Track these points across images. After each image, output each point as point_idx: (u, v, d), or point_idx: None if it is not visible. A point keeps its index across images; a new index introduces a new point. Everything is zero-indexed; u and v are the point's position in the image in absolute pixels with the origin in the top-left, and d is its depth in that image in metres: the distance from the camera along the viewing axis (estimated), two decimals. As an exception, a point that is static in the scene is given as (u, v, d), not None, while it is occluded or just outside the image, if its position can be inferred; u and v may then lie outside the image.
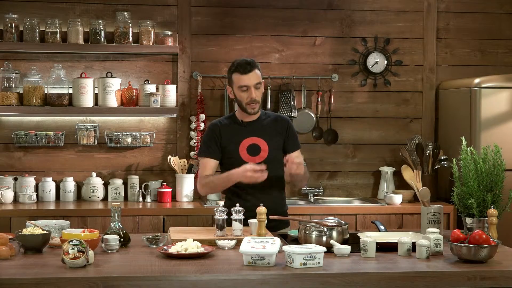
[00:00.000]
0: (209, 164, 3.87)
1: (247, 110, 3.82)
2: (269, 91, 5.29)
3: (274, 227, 3.69)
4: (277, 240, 3.05)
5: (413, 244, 3.21)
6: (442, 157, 5.23)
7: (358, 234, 3.41)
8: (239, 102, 3.82)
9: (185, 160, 5.20)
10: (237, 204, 3.54)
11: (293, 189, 5.28)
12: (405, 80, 5.53)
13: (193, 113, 5.28)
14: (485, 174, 3.49)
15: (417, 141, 5.32)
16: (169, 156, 5.17)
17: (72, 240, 2.92)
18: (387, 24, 5.49)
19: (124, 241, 3.36)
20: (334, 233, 3.28)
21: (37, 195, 5.05)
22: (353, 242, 3.31)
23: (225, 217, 3.51)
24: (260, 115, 3.91)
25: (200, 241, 3.24)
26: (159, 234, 3.51)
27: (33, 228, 3.26)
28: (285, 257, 2.98)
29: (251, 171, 3.64)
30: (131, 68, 5.26)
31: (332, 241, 3.22)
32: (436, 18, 5.52)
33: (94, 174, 5.14)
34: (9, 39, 4.97)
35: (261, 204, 3.47)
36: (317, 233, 3.28)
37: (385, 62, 5.45)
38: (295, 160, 3.65)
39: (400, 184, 5.33)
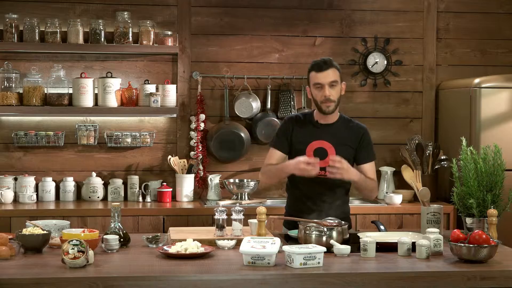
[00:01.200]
0: (275, 155, 3.88)
1: (322, 108, 3.78)
2: (269, 91, 5.29)
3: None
4: (277, 240, 3.06)
5: (413, 244, 3.21)
6: (442, 157, 5.23)
7: (358, 234, 3.42)
8: (315, 101, 3.79)
9: (185, 160, 5.20)
10: (237, 204, 3.55)
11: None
12: (405, 80, 5.53)
13: (193, 113, 5.28)
14: (485, 174, 3.49)
15: (417, 141, 5.32)
16: (169, 156, 5.17)
17: (72, 240, 2.93)
18: (387, 24, 5.49)
19: (124, 241, 3.36)
20: (334, 233, 3.28)
21: (37, 195, 5.05)
22: (353, 242, 3.31)
23: (225, 217, 3.51)
24: (337, 119, 3.87)
25: (200, 241, 3.24)
26: (159, 234, 3.51)
27: (33, 228, 3.26)
28: (285, 257, 2.98)
29: (304, 163, 3.62)
30: (131, 68, 5.26)
31: (332, 241, 3.23)
32: (436, 18, 5.52)
33: (94, 174, 5.14)
34: (9, 39, 4.97)
35: (261, 204, 3.47)
36: (317, 233, 3.28)
37: (385, 62, 5.45)
38: (336, 164, 3.61)
39: (400, 184, 5.33)
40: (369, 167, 3.88)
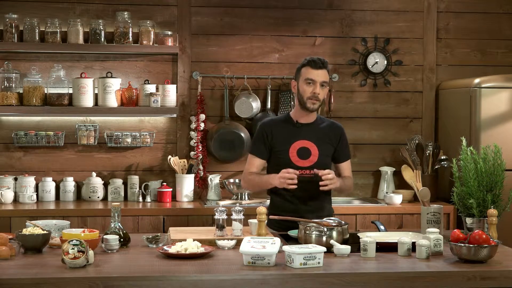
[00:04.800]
0: (255, 162, 3.93)
1: (307, 104, 3.81)
2: (269, 91, 5.30)
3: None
4: (277, 240, 3.05)
5: (413, 244, 3.21)
6: (442, 157, 5.23)
7: (358, 234, 3.42)
8: (301, 96, 3.82)
9: (185, 160, 5.20)
10: (237, 204, 3.55)
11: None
12: (405, 80, 5.53)
13: (193, 113, 5.28)
14: (485, 174, 3.49)
15: (417, 141, 5.33)
16: (169, 156, 5.17)
17: (72, 240, 2.92)
18: (387, 24, 5.49)
19: (124, 241, 3.36)
20: (334, 233, 3.28)
21: (37, 195, 5.05)
22: (353, 242, 3.31)
23: (225, 217, 3.51)
24: (316, 119, 3.92)
25: (200, 241, 3.24)
26: (159, 234, 3.51)
27: (33, 228, 3.26)
28: (285, 257, 2.98)
29: (288, 176, 3.69)
30: (131, 68, 5.26)
31: (332, 241, 3.23)
32: (436, 18, 5.52)
33: (94, 174, 5.14)
34: (9, 39, 4.97)
35: (261, 204, 3.48)
36: (317, 233, 3.28)
37: (385, 62, 5.45)
38: (328, 176, 3.70)
39: (400, 184, 5.33)
40: (346, 166, 3.99)
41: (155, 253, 3.22)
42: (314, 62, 3.80)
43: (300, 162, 3.82)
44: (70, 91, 5.05)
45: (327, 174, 3.70)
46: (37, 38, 5.00)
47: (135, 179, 5.18)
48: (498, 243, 3.13)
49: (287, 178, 3.70)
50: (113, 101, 5.04)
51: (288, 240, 3.50)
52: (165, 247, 3.19)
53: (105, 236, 3.28)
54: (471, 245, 3.03)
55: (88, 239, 3.06)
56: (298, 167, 3.82)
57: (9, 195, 4.95)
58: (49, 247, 3.31)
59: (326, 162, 3.89)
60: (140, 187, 5.16)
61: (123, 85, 5.14)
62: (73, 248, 2.90)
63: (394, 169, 5.39)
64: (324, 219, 3.41)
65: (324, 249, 3.00)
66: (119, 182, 5.16)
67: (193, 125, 5.25)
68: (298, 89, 3.83)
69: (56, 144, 5.11)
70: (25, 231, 3.23)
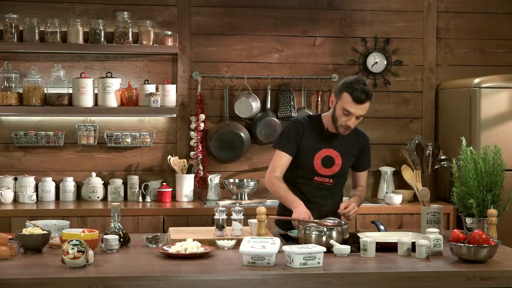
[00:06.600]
0: (284, 160, 3.80)
1: (339, 130, 3.76)
2: (269, 91, 5.29)
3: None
4: (277, 240, 3.06)
5: (413, 244, 3.21)
6: (442, 157, 5.23)
7: (358, 234, 3.42)
8: (335, 118, 3.73)
9: (185, 160, 5.20)
10: (237, 204, 3.55)
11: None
12: (405, 80, 5.53)
13: (193, 113, 5.28)
14: (485, 174, 3.49)
15: (417, 141, 5.33)
16: (169, 156, 5.17)
17: (72, 240, 2.93)
18: (387, 24, 5.49)
19: (124, 241, 3.37)
20: (334, 233, 3.28)
21: (37, 195, 5.05)
22: (353, 242, 3.31)
23: (225, 217, 3.51)
24: None
25: (200, 241, 3.25)
26: (159, 234, 3.52)
27: (33, 228, 3.26)
28: (285, 257, 2.98)
29: (305, 216, 3.58)
30: (131, 68, 5.26)
31: (332, 241, 3.23)
32: (436, 18, 5.52)
33: (94, 174, 5.14)
34: (9, 39, 4.97)
35: (261, 204, 3.48)
36: (317, 233, 3.29)
37: (385, 62, 5.45)
38: (350, 213, 3.72)
39: (400, 184, 5.33)
40: (364, 175, 4.02)
41: (155, 253, 3.22)
42: (358, 94, 3.64)
43: (322, 170, 3.81)
44: (70, 91, 5.05)
45: (346, 208, 3.71)
46: (37, 38, 5.00)
47: (135, 179, 5.18)
48: (498, 243, 3.13)
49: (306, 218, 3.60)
50: (113, 101, 5.04)
51: (288, 240, 3.51)
52: (165, 247, 3.19)
53: (105, 236, 3.28)
54: (471, 245, 3.03)
55: (88, 239, 3.07)
56: (320, 174, 3.81)
57: (9, 195, 4.95)
58: (49, 247, 3.31)
59: (346, 172, 3.91)
60: (140, 187, 5.15)
61: (123, 85, 5.14)
62: (73, 248, 2.90)
63: (394, 169, 5.39)
64: (324, 219, 3.41)
65: (324, 249, 3.00)
66: (119, 182, 5.16)
67: (193, 125, 5.25)
68: (335, 109, 3.73)
69: (56, 144, 5.11)
70: (25, 231, 3.23)
